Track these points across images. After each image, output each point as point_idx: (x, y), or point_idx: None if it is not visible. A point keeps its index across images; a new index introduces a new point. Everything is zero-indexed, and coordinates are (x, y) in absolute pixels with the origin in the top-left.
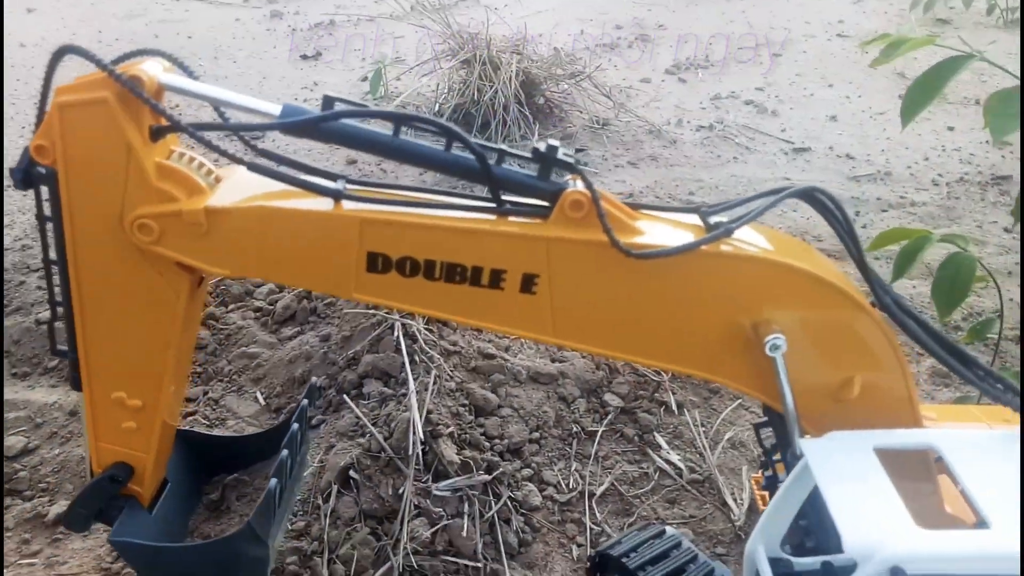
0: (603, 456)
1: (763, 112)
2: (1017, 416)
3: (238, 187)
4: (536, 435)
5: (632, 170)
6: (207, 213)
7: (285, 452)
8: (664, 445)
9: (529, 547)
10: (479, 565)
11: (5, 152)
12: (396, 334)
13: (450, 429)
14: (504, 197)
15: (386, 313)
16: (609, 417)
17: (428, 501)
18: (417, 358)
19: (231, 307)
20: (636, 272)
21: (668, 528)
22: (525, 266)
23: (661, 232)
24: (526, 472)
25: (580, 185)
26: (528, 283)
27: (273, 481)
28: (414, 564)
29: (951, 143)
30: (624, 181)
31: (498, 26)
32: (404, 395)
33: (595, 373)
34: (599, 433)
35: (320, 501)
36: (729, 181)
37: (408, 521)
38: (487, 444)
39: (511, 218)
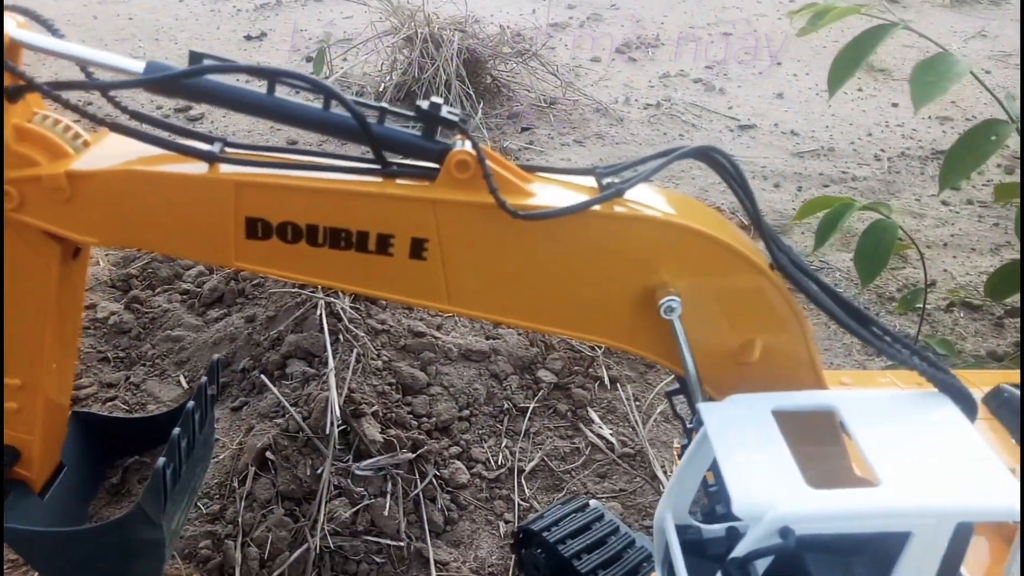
0: (535, 432)
1: (711, 90)
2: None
3: (107, 151)
4: (466, 413)
5: (578, 148)
6: (69, 177)
7: (176, 431)
8: (597, 420)
9: (455, 525)
10: (402, 544)
11: None
12: (319, 312)
13: (374, 408)
14: (394, 160)
15: (311, 292)
16: (542, 393)
17: (349, 481)
18: (341, 337)
19: (158, 290)
20: (526, 235)
21: (592, 501)
22: (413, 230)
23: (552, 194)
24: (454, 450)
25: (467, 146)
26: (418, 248)
27: (161, 460)
28: (332, 545)
29: (894, 119)
30: (570, 159)
31: (447, 5)
32: (326, 375)
33: (529, 350)
34: (530, 409)
35: (236, 484)
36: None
37: (327, 502)
38: (414, 423)
39: (398, 180)
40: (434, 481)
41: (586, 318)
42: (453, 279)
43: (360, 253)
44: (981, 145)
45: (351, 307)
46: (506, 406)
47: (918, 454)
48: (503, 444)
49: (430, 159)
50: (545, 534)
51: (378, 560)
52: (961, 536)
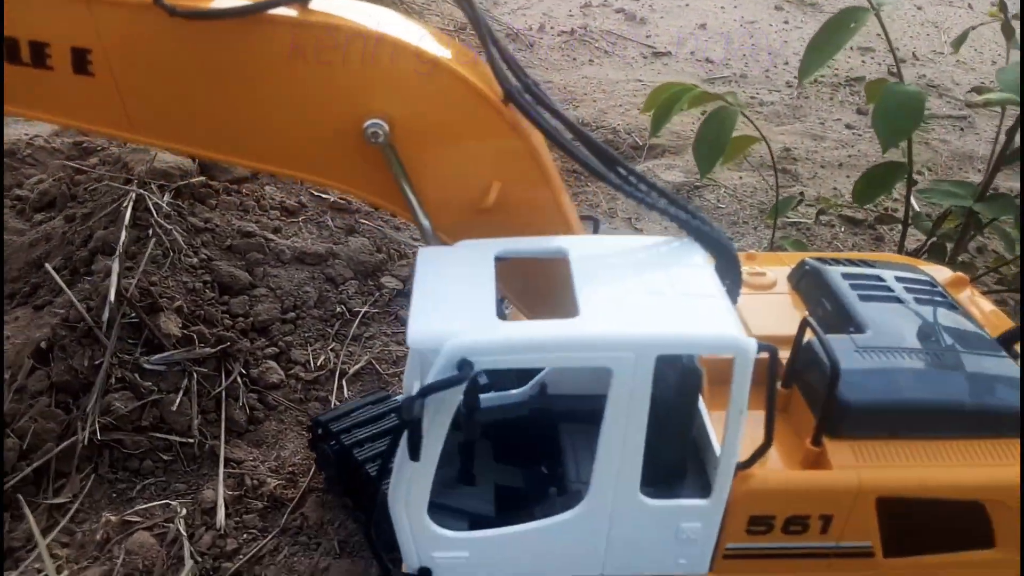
0: (368, 337)
1: (632, 20)
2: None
3: None
4: (292, 315)
5: None
6: None
7: None
8: None
9: (260, 425)
10: (191, 441)
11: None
12: (126, 205)
13: (177, 304)
14: None
15: (136, 188)
16: (383, 299)
17: (137, 376)
18: (152, 231)
19: None
20: (195, 42)
21: (399, 397)
22: (70, 37)
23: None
24: (271, 351)
25: None
26: (81, 60)
27: None
28: (103, 438)
29: None
30: None
31: None
32: (130, 269)
33: (374, 255)
34: (364, 313)
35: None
36: (581, 82)
37: (104, 394)
38: (228, 322)
39: None
40: (239, 379)
41: (287, 150)
42: (129, 99)
43: (14, 66)
44: (839, 32)
45: (169, 203)
46: (339, 310)
47: (633, 292)
48: (329, 347)
49: None
50: (332, 424)
51: (165, 457)
52: (678, 375)
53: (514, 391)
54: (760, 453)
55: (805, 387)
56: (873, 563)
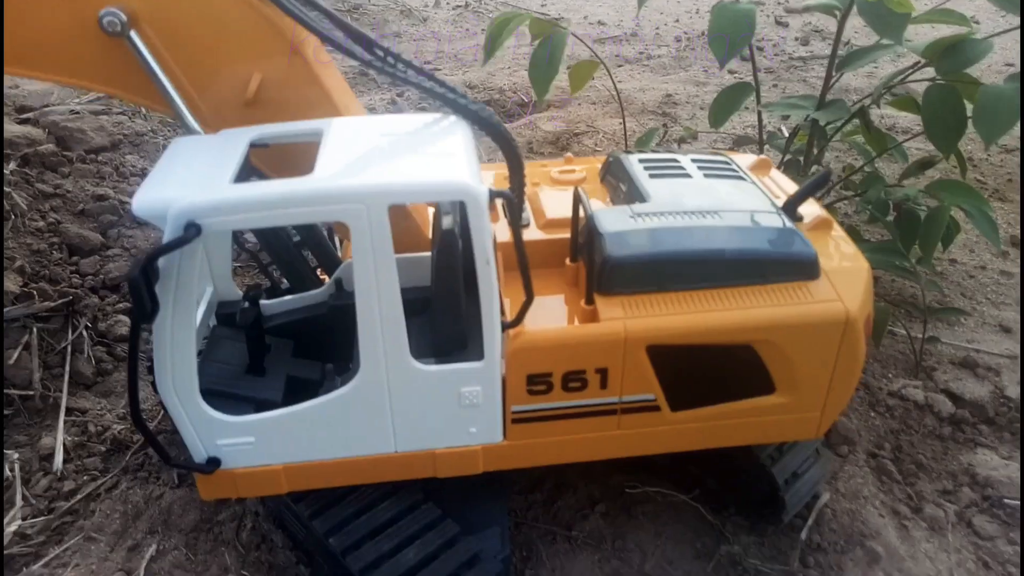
0: None
1: None
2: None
3: None
4: None
5: None
6: None
7: None
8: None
9: (108, 376)
10: (32, 394)
11: None
12: None
13: (18, 264)
14: None
15: None
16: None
17: None
18: None
19: None
20: None
21: None
22: None
23: None
24: (123, 305)
25: None
26: None
27: None
28: None
29: (705, 5)
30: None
31: None
32: None
33: None
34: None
35: None
36: (472, 50)
37: None
38: (78, 280)
39: None
40: (85, 333)
41: (42, 49)
42: None
43: None
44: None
45: (15, 171)
46: None
47: (374, 153)
48: None
49: None
50: None
51: (6, 412)
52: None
53: (313, 291)
54: (524, 309)
55: (587, 258)
56: (660, 417)
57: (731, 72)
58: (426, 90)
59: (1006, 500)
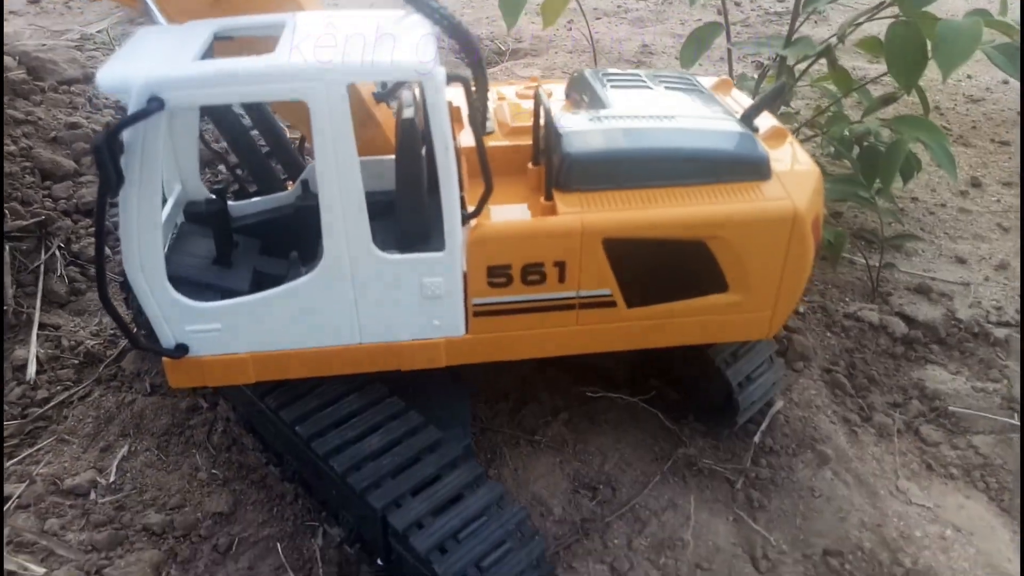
0: None
1: None
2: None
3: None
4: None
5: None
6: None
7: None
8: None
9: (81, 296)
10: (5, 308)
11: None
12: None
13: None
14: None
15: None
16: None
17: None
18: None
19: None
20: None
21: None
22: None
23: None
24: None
25: None
26: None
27: None
28: None
29: None
30: None
31: None
32: None
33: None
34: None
35: None
36: (453, 3)
37: None
38: (51, 204)
39: None
40: (58, 253)
41: None
42: None
43: None
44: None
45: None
46: None
47: (335, 38)
48: None
49: None
50: None
51: None
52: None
53: (279, 193)
54: (484, 199)
55: (547, 160)
56: (617, 313)
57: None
58: None
59: (951, 409)
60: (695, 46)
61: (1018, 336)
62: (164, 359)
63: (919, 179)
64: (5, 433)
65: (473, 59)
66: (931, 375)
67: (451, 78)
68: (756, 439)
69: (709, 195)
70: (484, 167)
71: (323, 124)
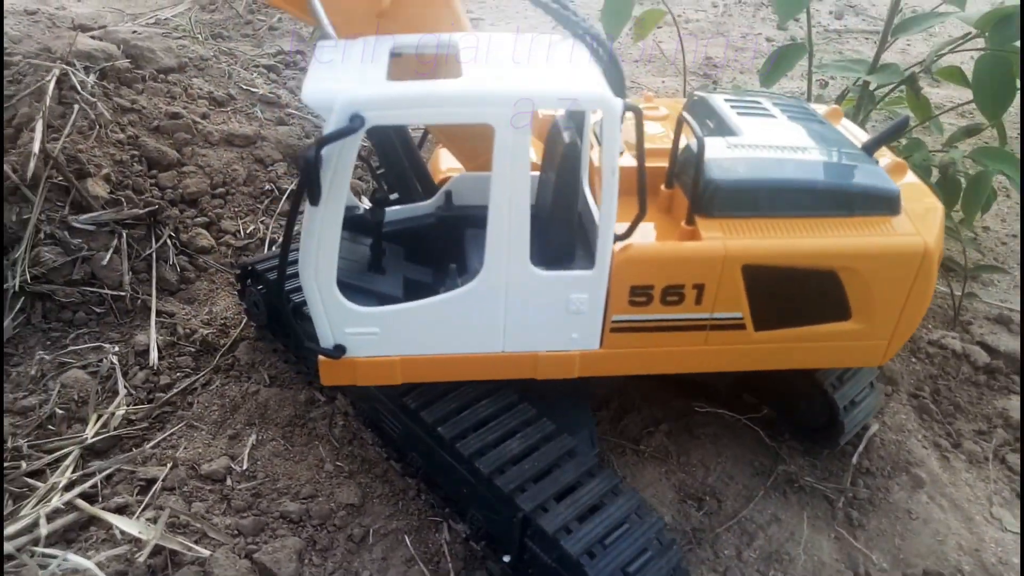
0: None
1: None
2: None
3: None
4: (221, 190)
5: None
6: None
7: None
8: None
9: (191, 284)
10: (123, 294)
11: None
12: (49, 80)
13: (104, 171)
14: None
15: (60, 65)
16: None
17: (67, 233)
18: (78, 106)
19: None
20: None
21: None
22: None
23: None
24: (201, 220)
25: None
26: None
27: None
28: (29, 285)
29: None
30: None
31: None
32: (57, 138)
33: (301, 140)
34: (290, 190)
35: None
36: (478, 8)
37: (32, 248)
38: (158, 193)
39: None
40: (169, 242)
41: None
42: None
43: None
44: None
45: (96, 83)
46: (268, 188)
47: (512, 64)
48: (259, 220)
49: None
50: (257, 266)
51: (98, 310)
52: (559, 154)
53: (423, 203)
54: (636, 221)
55: (684, 184)
56: (745, 335)
57: (768, 40)
58: (552, 11)
59: None
60: (779, 67)
61: None
62: (320, 358)
63: (990, 209)
64: (137, 416)
65: (621, 92)
66: (1014, 406)
67: (626, 107)
68: (854, 460)
69: (843, 227)
70: (642, 191)
71: (505, 147)
